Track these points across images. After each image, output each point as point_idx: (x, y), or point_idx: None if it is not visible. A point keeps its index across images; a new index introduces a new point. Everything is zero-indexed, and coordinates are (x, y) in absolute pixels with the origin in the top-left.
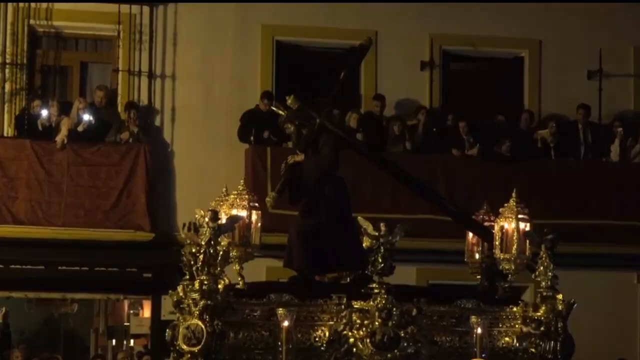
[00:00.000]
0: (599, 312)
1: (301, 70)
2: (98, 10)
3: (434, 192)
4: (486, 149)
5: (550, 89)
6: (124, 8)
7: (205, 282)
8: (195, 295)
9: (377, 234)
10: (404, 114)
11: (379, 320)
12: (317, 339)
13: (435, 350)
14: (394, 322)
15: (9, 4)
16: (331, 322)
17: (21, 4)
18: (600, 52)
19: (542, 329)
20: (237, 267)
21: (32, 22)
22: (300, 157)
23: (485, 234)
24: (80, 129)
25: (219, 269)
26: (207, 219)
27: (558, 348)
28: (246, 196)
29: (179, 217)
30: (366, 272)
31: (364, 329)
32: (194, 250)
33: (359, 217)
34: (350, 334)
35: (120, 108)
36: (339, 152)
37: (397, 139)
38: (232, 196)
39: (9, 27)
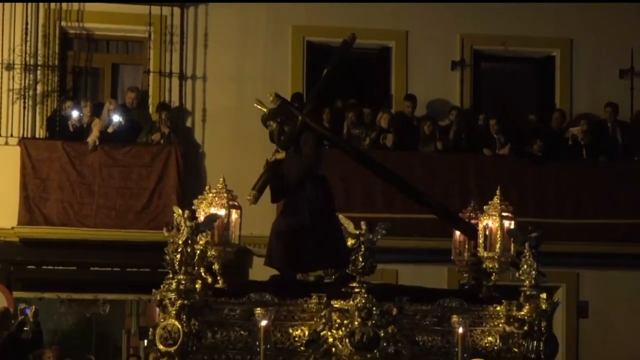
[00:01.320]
0: (633, 312)
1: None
2: (129, 12)
3: (418, 190)
4: (518, 148)
5: (582, 88)
6: (155, 9)
7: (183, 282)
8: (172, 295)
9: (357, 232)
10: (435, 113)
11: (359, 319)
12: (296, 339)
13: (417, 350)
14: (373, 321)
15: (41, 6)
16: (311, 322)
17: (52, 6)
18: (632, 51)
19: (525, 328)
20: (216, 266)
21: (63, 24)
22: (281, 155)
23: (471, 232)
24: (110, 130)
25: (196, 268)
26: (184, 218)
27: (541, 348)
28: (225, 195)
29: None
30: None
31: (343, 328)
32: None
33: (340, 216)
34: (329, 333)
35: (151, 109)
36: (321, 151)
37: (428, 139)
38: (210, 195)
39: (40, 29)
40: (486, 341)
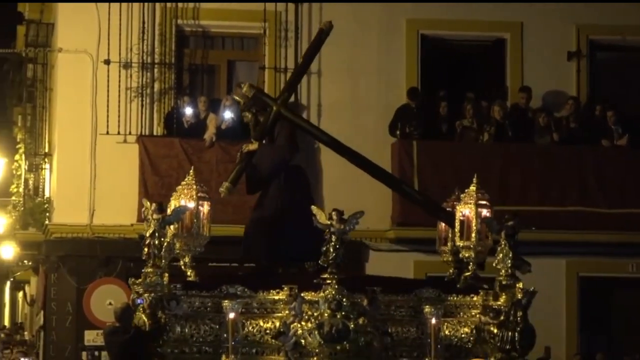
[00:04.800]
0: None
1: (446, 63)
2: (244, 9)
3: (398, 179)
4: (635, 139)
5: None
6: (270, 6)
7: (150, 275)
8: (139, 288)
9: (328, 223)
10: (550, 105)
11: (328, 311)
12: (267, 331)
13: (388, 341)
14: (343, 313)
15: (157, 5)
16: (281, 314)
17: (169, 4)
18: None
19: (501, 318)
20: (187, 259)
21: (179, 22)
22: (254, 146)
23: (452, 222)
24: (222, 127)
25: (163, 261)
26: (151, 211)
27: (516, 338)
28: (194, 187)
29: (326, 212)
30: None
31: (312, 320)
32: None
33: (312, 206)
34: (299, 325)
35: None
36: (295, 141)
37: (543, 131)
38: (179, 187)
39: (157, 27)
40: (462, 332)
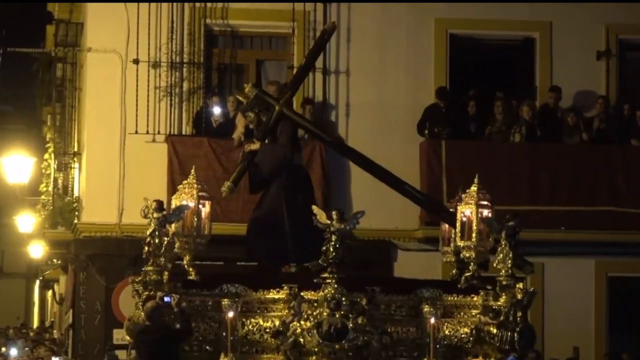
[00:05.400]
0: None
1: (475, 63)
2: (272, 8)
3: (400, 179)
4: None
5: None
6: (298, 5)
7: (150, 273)
8: (139, 287)
9: (328, 222)
10: (580, 105)
11: (327, 310)
12: (267, 330)
13: (387, 340)
14: (342, 312)
15: (186, 5)
16: (280, 313)
17: (198, 4)
18: None
19: (501, 318)
20: (187, 258)
21: (208, 21)
22: (256, 146)
23: (454, 222)
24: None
25: (163, 259)
26: (151, 209)
27: (516, 339)
28: (195, 186)
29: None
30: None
31: (311, 319)
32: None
33: (313, 206)
34: (297, 324)
35: (295, 104)
36: (297, 140)
37: (572, 131)
38: (180, 186)
39: (186, 27)
40: (462, 332)
